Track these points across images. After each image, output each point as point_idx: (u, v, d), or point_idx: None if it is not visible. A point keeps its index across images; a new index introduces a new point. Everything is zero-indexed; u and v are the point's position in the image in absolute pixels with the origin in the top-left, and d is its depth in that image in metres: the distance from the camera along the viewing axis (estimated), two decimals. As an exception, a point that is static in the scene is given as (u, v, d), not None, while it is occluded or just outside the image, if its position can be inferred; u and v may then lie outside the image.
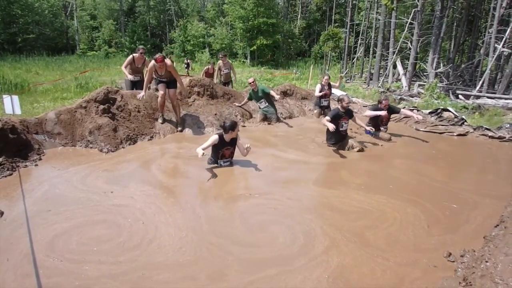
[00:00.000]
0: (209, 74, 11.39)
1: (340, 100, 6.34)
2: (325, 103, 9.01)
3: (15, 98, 6.49)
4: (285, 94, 9.84)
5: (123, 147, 6.00)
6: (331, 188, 4.59)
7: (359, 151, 6.22)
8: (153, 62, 6.54)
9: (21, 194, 4.05)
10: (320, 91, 8.76)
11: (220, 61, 10.78)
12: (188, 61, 23.50)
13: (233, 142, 5.15)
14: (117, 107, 6.66)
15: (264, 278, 2.72)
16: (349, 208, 3.99)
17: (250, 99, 8.63)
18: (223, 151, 5.07)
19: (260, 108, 8.44)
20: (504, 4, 13.01)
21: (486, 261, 2.53)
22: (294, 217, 3.75)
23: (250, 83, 8.29)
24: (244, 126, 7.78)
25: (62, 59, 29.14)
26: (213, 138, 4.90)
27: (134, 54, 7.94)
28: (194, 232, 3.36)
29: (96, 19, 41.95)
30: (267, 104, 8.32)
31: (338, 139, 6.36)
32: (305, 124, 8.31)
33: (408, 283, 2.72)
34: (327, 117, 6.09)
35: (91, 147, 5.82)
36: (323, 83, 8.81)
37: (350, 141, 6.39)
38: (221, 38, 34.88)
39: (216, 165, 5.18)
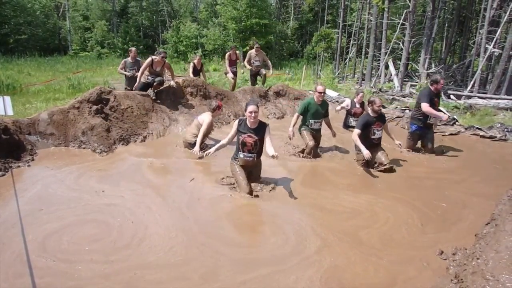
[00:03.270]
0: (232, 62, 10.13)
1: (370, 102, 5.31)
2: (354, 123, 7.35)
3: (7, 98, 6.42)
4: (278, 94, 9.90)
5: (116, 148, 5.96)
6: (319, 189, 4.59)
7: (385, 170, 5.16)
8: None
9: (14, 194, 4.01)
10: (350, 108, 7.68)
11: (252, 51, 9.74)
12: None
13: (259, 130, 4.33)
14: (110, 108, 6.61)
15: (257, 278, 2.73)
16: (339, 208, 4.01)
17: (303, 114, 5.91)
18: (244, 138, 4.29)
19: (311, 128, 5.94)
20: (494, 5, 13.14)
21: (477, 258, 2.55)
22: (283, 217, 3.75)
23: (322, 93, 5.81)
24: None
25: (54, 59, 28.79)
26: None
27: (153, 57, 7.38)
28: (184, 233, 3.36)
29: (89, 20, 41.51)
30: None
31: (367, 148, 5.13)
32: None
33: (401, 281, 2.74)
34: (357, 130, 5.19)
35: (84, 148, 5.78)
36: (356, 100, 7.66)
37: (379, 155, 5.33)
38: (213, 38, 34.69)
39: (236, 161, 4.49)
